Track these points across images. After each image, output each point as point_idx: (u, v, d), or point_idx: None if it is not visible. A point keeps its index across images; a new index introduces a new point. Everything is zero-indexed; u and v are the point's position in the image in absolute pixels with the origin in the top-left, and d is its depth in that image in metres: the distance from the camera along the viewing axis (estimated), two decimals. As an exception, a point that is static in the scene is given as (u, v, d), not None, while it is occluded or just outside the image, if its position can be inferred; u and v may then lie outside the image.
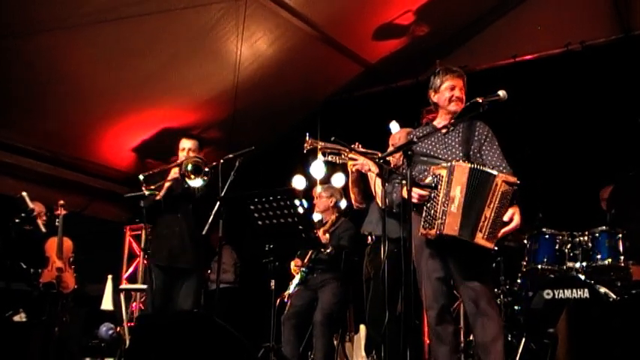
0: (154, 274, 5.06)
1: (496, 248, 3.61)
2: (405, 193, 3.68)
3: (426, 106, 7.68)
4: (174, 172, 4.91)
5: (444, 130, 3.86)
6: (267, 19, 6.84)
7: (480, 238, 3.52)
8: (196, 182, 4.80)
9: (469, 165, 3.60)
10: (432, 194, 3.62)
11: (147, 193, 4.83)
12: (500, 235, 3.57)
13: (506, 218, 3.57)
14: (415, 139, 3.77)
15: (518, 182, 3.58)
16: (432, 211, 3.60)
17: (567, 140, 6.45)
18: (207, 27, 6.69)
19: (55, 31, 6.16)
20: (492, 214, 3.53)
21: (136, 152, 8.32)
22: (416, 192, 3.63)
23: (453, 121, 3.86)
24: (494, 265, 5.58)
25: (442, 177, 3.62)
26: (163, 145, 8.04)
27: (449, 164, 3.64)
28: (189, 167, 4.78)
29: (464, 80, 3.93)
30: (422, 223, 3.65)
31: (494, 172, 3.59)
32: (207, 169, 4.78)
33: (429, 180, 3.68)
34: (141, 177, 4.82)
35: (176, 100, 7.65)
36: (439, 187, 3.61)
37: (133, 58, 6.83)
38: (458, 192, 3.56)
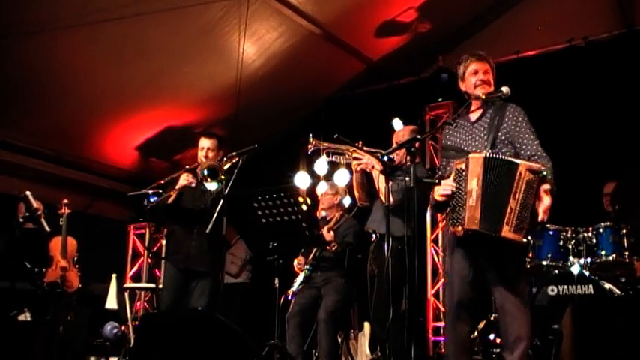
0: (168, 273, 5.07)
1: (525, 240, 3.47)
2: (436, 195, 3.64)
3: (428, 103, 7.70)
4: (184, 179, 4.90)
5: (473, 119, 3.77)
6: (269, 17, 6.84)
7: (506, 232, 3.39)
8: (212, 185, 4.80)
9: (482, 154, 3.50)
10: (456, 190, 3.54)
11: (150, 192, 4.83)
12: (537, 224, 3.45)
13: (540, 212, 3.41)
14: (443, 129, 3.75)
15: (543, 170, 3.44)
16: (457, 208, 3.52)
17: (571, 136, 6.42)
18: (209, 25, 6.69)
19: (55, 31, 6.16)
20: (518, 205, 3.39)
21: (139, 151, 8.33)
22: (439, 190, 3.60)
23: (482, 110, 3.76)
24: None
25: (463, 171, 3.53)
26: (167, 144, 8.08)
27: (465, 157, 3.55)
28: (205, 172, 4.77)
29: (490, 63, 3.80)
30: (450, 220, 3.59)
31: (517, 161, 3.45)
32: (223, 172, 4.75)
33: (452, 177, 3.61)
34: (150, 191, 4.85)
35: (179, 99, 7.66)
36: (461, 181, 3.53)
37: (135, 57, 6.83)
38: (475, 184, 3.46)
